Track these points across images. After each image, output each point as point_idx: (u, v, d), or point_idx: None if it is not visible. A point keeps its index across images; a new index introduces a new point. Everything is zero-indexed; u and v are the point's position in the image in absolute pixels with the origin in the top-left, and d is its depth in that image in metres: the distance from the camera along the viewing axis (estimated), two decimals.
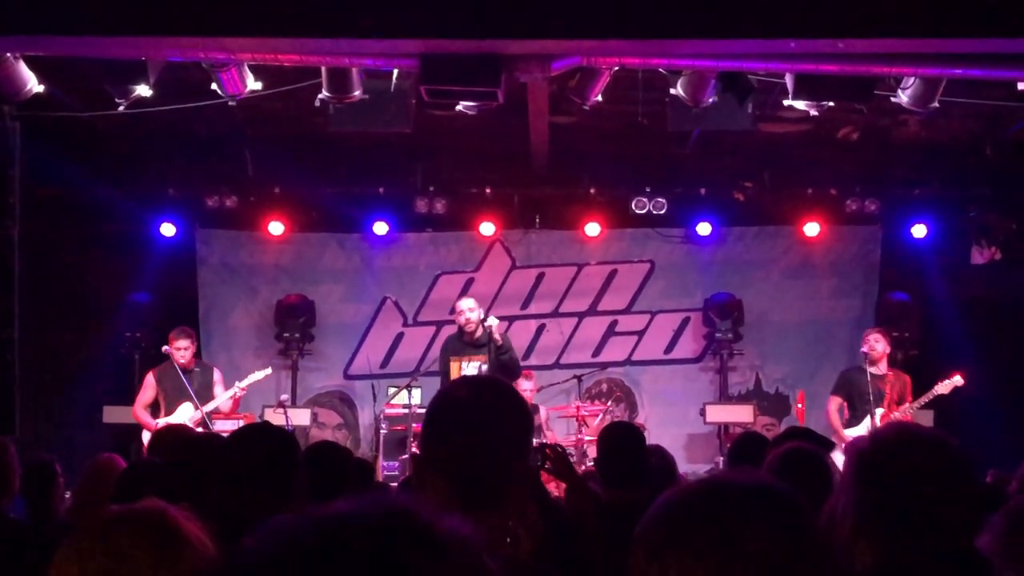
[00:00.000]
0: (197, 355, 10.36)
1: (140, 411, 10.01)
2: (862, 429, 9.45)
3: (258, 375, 10.30)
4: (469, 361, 9.71)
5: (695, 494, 1.58)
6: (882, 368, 9.98)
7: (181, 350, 9.93)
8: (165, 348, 10.02)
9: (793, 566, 1.49)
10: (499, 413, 2.15)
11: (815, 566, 1.51)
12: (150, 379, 10.09)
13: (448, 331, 11.78)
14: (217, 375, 10.22)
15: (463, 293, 12.27)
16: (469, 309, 9.97)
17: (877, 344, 9.97)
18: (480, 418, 2.13)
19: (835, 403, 10.20)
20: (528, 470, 2.23)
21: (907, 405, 9.77)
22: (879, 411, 9.68)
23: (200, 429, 8.91)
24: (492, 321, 9.75)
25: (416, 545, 1.06)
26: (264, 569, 1.04)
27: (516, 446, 2.17)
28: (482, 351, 9.91)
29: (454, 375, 9.74)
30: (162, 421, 9.61)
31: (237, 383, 10.07)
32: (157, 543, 2.09)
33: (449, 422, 2.16)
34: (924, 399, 9.82)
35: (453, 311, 10.16)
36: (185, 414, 9.67)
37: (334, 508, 1.10)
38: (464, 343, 10.05)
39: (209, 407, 9.78)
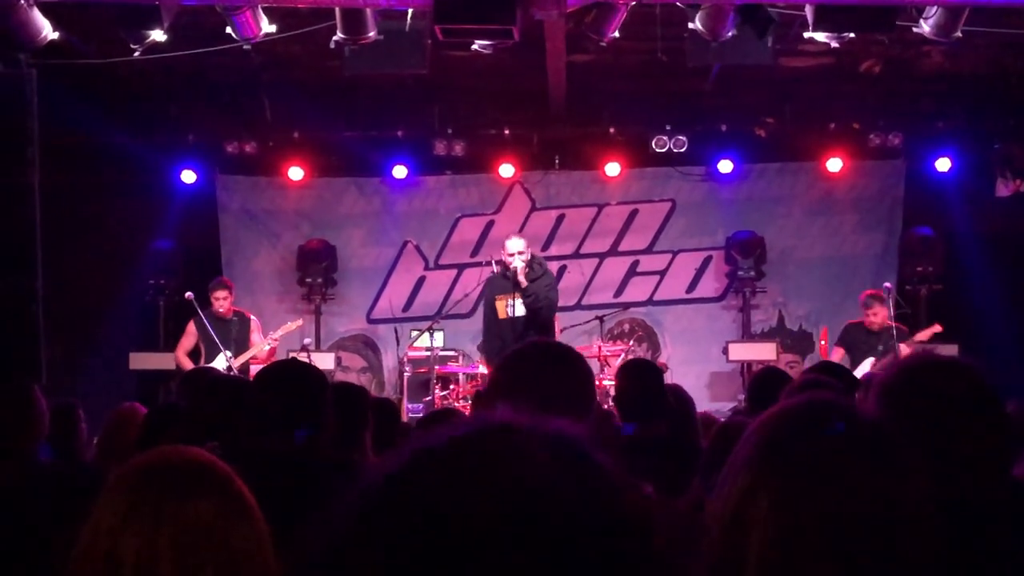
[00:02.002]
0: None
1: (181, 356, 10.35)
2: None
3: (290, 326, 10.53)
4: (515, 299, 9.64)
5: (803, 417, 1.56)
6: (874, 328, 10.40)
7: (220, 300, 10.28)
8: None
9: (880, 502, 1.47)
10: (559, 383, 2.21)
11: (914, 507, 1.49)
12: (191, 327, 10.36)
13: (470, 273, 11.82)
14: (255, 324, 10.48)
15: (485, 235, 12.29)
16: (519, 252, 9.68)
17: (876, 317, 10.30)
18: (543, 392, 2.19)
19: (837, 354, 10.51)
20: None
21: (891, 354, 9.99)
22: (868, 361, 10.11)
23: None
24: (517, 263, 9.65)
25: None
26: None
27: (578, 409, 2.23)
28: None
29: (501, 315, 9.82)
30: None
31: (271, 333, 10.29)
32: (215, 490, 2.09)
33: (515, 370, 2.22)
34: (907, 344, 10.04)
35: (503, 247, 10.01)
36: (221, 363, 9.90)
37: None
38: (508, 281, 9.87)
39: (243, 357, 10.01)
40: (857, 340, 10.46)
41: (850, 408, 1.57)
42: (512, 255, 9.64)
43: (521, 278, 9.56)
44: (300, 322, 10.82)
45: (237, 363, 9.88)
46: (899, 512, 1.46)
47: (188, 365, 10.07)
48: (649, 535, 1.06)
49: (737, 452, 1.56)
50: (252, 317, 10.59)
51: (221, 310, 10.26)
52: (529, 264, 9.67)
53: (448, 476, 1.01)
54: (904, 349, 9.84)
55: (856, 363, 10.11)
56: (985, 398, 2.46)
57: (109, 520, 2.02)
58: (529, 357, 2.42)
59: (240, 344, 10.13)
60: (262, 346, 10.19)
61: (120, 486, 2.08)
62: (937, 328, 10.32)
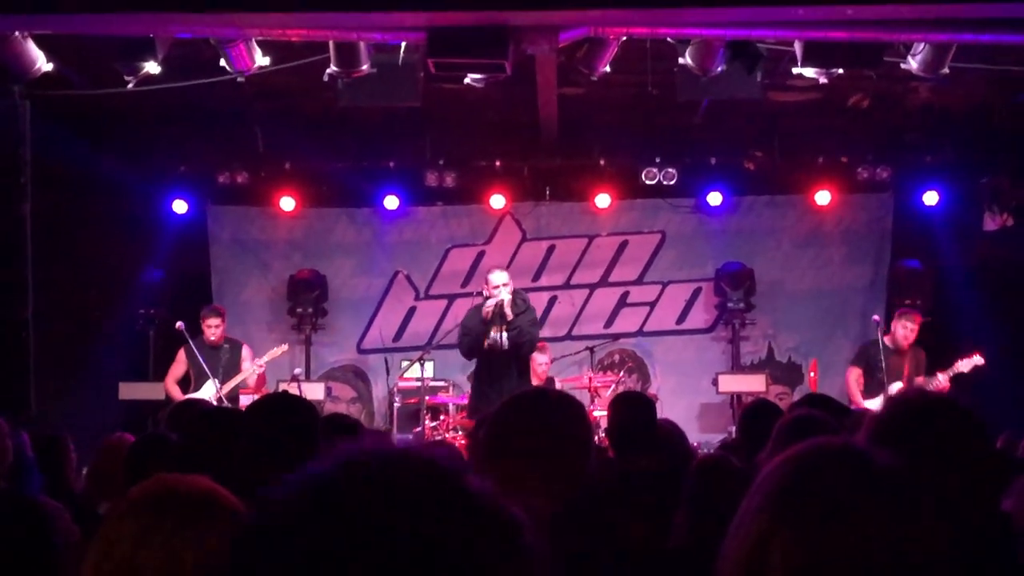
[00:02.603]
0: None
1: (171, 384, 10.40)
2: (875, 403, 9.51)
3: (276, 351, 10.54)
4: (500, 331, 9.56)
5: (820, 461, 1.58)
6: (902, 344, 10.21)
7: (212, 328, 10.35)
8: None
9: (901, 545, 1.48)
10: (555, 434, 2.27)
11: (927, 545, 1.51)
12: (181, 355, 10.42)
13: (461, 303, 11.85)
14: (246, 352, 10.50)
15: (475, 266, 12.32)
16: (504, 284, 9.57)
17: (912, 333, 10.18)
18: (538, 445, 2.25)
19: (854, 373, 10.46)
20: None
21: (934, 380, 9.87)
22: (896, 384, 9.82)
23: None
24: (504, 295, 9.60)
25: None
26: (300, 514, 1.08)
27: (573, 455, 2.28)
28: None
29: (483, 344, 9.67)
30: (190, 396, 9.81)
31: (256, 360, 10.31)
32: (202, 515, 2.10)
33: (507, 447, 2.29)
34: (947, 375, 9.88)
35: (486, 282, 9.94)
36: (209, 391, 9.90)
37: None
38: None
39: (230, 385, 10.02)
40: (872, 357, 10.26)
41: (865, 453, 1.59)
42: (497, 287, 9.57)
43: (508, 310, 9.51)
44: (285, 347, 10.82)
45: (225, 389, 9.87)
46: (915, 557, 1.48)
47: (178, 394, 10.07)
48: (514, 559, 1.11)
49: (751, 498, 1.57)
50: (244, 344, 10.60)
51: (213, 338, 10.29)
52: (513, 298, 9.62)
53: (310, 511, 1.08)
54: (943, 380, 9.82)
55: (877, 384, 10.01)
56: (974, 434, 2.49)
57: (122, 549, 2.03)
58: (525, 408, 2.48)
59: (230, 372, 10.17)
60: (251, 371, 10.18)
61: (132, 512, 2.09)
62: (979, 361, 10.04)
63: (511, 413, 2.50)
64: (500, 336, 9.44)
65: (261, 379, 10.40)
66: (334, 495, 1.08)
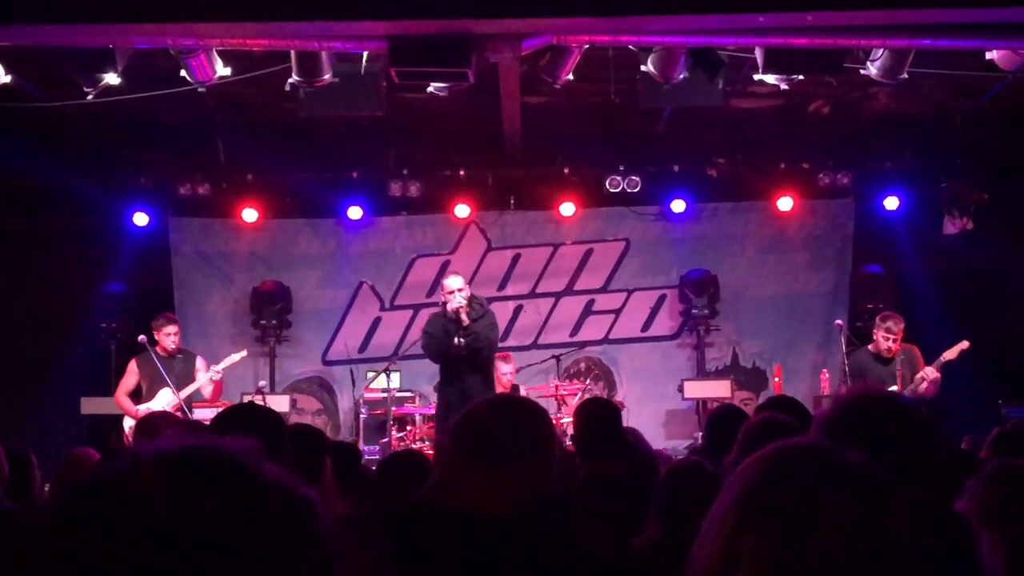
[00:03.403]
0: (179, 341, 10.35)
1: (122, 397, 10.02)
2: None
3: (234, 357, 10.31)
4: (458, 337, 9.50)
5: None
6: (885, 354, 9.93)
7: (170, 335, 10.01)
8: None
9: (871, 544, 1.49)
10: (519, 439, 2.25)
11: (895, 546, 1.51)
12: (132, 366, 10.09)
13: (426, 313, 11.81)
14: (200, 362, 10.22)
15: (440, 276, 12.27)
16: (458, 290, 9.49)
17: (887, 341, 9.83)
18: (503, 450, 2.23)
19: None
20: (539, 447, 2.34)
21: (920, 374, 9.71)
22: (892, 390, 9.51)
23: (179, 415, 8.94)
24: (457, 300, 9.44)
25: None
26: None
27: (538, 461, 2.27)
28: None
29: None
30: (143, 407, 9.65)
31: (213, 367, 10.07)
32: None
33: (472, 452, 2.27)
34: (935, 366, 9.77)
35: (441, 287, 9.87)
36: (164, 399, 9.70)
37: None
38: (449, 320, 9.71)
39: (186, 392, 9.78)
40: (865, 368, 10.00)
41: (833, 453, 1.60)
42: (452, 292, 9.51)
43: (463, 316, 9.46)
44: (244, 352, 10.52)
45: (182, 396, 9.62)
46: (883, 556, 1.48)
47: (130, 407, 9.84)
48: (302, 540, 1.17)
49: (720, 500, 1.57)
50: (198, 356, 10.40)
51: (172, 346, 9.99)
52: (470, 303, 9.57)
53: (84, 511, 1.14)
54: (932, 371, 9.72)
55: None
56: (919, 433, 2.51)
57: None
58: (485, 415, 2.47)
59: (184, 381, 9.83)
60: (206, 380, 9.97)
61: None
62: (965, 345, 9.88)
63: (474, 418, 2.49)
64: (458, 341, 9.40)
65: (217, 390, 10.13)
66: (119, 488, 1.14)
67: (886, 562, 1.48)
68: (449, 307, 9.45)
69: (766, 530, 1.49)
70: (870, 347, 10.09)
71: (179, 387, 9.73)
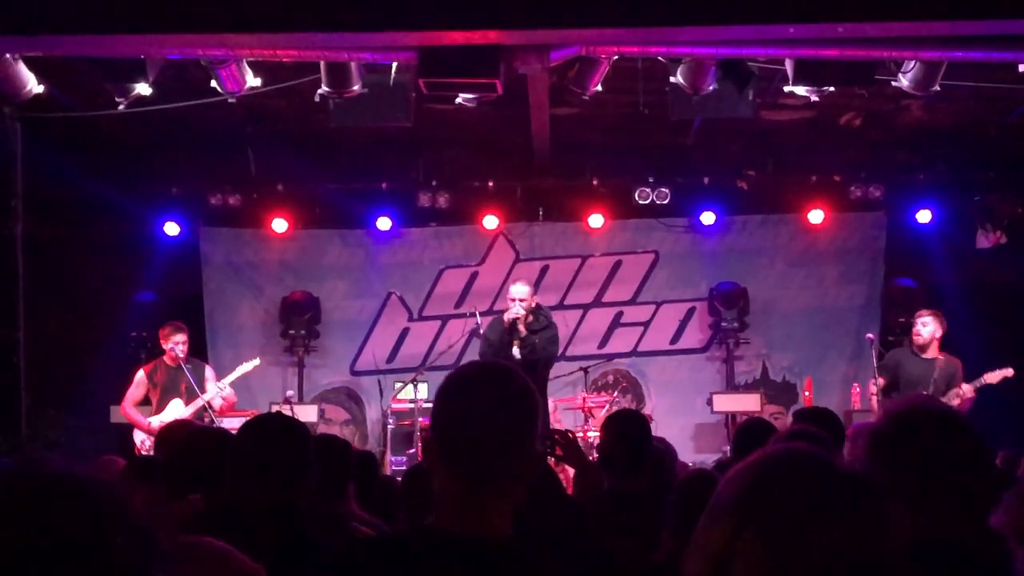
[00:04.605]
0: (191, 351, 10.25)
1: (130, 409, 9.85)
2: None
3: (245, 367, 10.17)
4: (513, 346, 9.43)
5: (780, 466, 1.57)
6: (932, 352, 9.68)
7: (180, 344, 9.84)
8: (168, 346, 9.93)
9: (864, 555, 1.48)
10: (500, 403, 2.16)
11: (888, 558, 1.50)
12: (141, 376, 9.93)
13: (454, 324, 11.84)
14: (209, 372, 10.11)
15: (469, 287, 12.29)
16: (520, 299, 9.44)
17: (924, 328, 9.62)
18: (482, 409, 2.15)
19: (877, 385, 9.68)
20: (533, 460, 2.24)
21: (955, 390, 9.47)
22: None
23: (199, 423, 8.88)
24: (516, 310, 9.42)
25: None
26: None
27: (519, 435, 2.18)
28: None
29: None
30: (154, 420, 9.55)
31: (220, 382, 9.88)
32: None
33: (453, 415, 2.18)
34: (972, 386, 9.53)
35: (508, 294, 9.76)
36: (175, 411, 9.58)
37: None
38: (507, 329, 9.67)
39: (197, 403, 9.67)
40: (902, 363, 9.74)
41: (827, 459, 1.58)
42: (513, 300, 9.51)
43: (519, 327, 9.43)
44: (257, 361, 10.38)
45: (188, 411, 9.49)
46: (876, 563, 1.47)
47: (140, 419, 9.68)
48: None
49: (717, 498, 1.56)
50: (207, 365, 10.34)
51: (181, 355, 9.79)
52: (534, 314, 9.52)
53: None
54: (969, 390, 9.55)
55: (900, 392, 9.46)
56: (966, 449, 2.47)
57: None
58: (470, 380, 2.36)
59: (193, 392, 9.69)
60: (215, 394, 9.78)
61: None
62: (1009, 372, 9.60)
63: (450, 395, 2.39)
64: (514, 351, 9.37)
65: (230, 403, 9.96)
66: None
67: (878, 571, 1.47)
68: (506, 316, 9.46)
69: (760, 535, 1.49)
70: (914, 348, 9.77)
71: (189, 398, 9.66)
